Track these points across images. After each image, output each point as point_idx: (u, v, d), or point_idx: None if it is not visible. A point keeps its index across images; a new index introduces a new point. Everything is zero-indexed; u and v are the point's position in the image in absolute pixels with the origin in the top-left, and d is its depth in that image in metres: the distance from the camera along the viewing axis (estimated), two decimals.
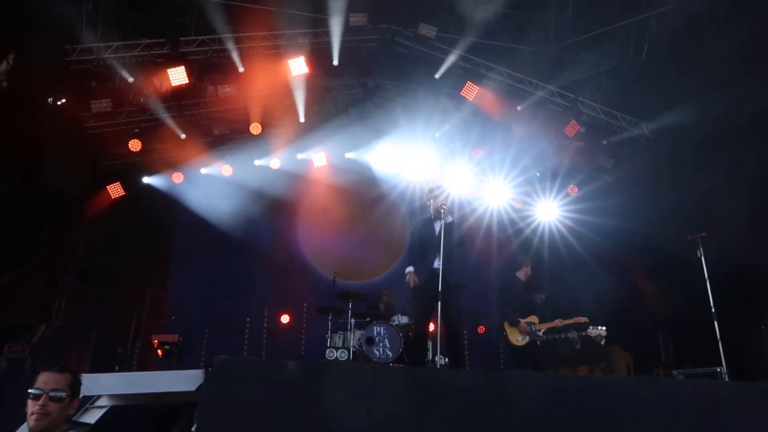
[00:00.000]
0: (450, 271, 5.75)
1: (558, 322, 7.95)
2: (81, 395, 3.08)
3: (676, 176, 10.47)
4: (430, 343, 8.03)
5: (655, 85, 10.47)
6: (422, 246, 6.19)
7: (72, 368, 2.99)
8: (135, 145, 10.81)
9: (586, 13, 10.09)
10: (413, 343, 7.32)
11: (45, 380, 2.87)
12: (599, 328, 7.78)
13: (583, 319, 7.95)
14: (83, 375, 3.12)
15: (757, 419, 4.16)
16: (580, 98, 11.34)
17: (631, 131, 11.59)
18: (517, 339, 7.86)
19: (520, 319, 7.88)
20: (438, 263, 5.84)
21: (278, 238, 12.14)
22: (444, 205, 6.09)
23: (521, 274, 8.42)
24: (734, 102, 8.47)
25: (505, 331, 7.96)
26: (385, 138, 12.32)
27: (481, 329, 13.13)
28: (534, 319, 7.98)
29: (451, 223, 6.16)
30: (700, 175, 9.73)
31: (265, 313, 11.80)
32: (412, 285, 6.10)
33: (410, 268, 6.16)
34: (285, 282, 11.77)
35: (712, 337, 6.54)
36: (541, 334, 7.86)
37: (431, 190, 6.38)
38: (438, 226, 6.10)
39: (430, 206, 6.36)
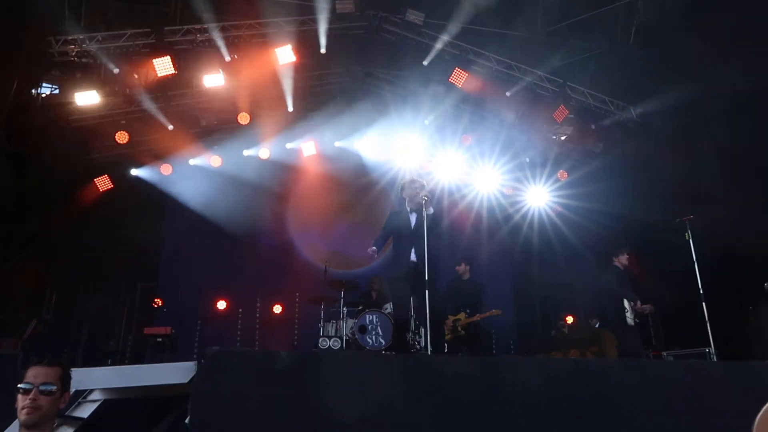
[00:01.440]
0: (430, 262, 5.56)
1: (477, 317, 8.35)
2: (73, 389, 3.06)
3: (664, 159, 10.53)
4: (422, 330, 8.11)
5: (642, 69, 10.50)
6: (397, 238, 6.12)
7: (61, 361, 2.97)
8: (122, 137, 10.71)
9: None
10: (395, 331, 7.33)
11: (35, 374, 2.85)
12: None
13: (497, 311, 8.36)
14: (75, 369, 3.10)
15: (744, 397, 4.23)
16: (568, 83, 11.35)
17: (619, 115, 11.63)
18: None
19: (450, 316, 8.33)
20: (414, 256, 5.78)
21: (268, 228, 12.10)
22: (426, 196, 5.98)
23: (460, 270, 8.78)
24: (721, 85, 8.51)
25: None
26: (375, 126, 12.28)
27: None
28: (462, 315, 8.38)
29: (433, 215, 6.12)
30: (687, 157, 9.79)
31: (258, 304, 11.80)
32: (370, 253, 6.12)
33: (374, 248, 6.15)
34: (277, 272, 11.75)
35: (701, 319, 6.62)
36: (460, 329, 8.29)
37: (413, 181, 6.28)
38: (414, 218, 6.03)
39: (405, 199, 6.25)
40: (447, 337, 8.26)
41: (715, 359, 6.64)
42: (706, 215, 7.40)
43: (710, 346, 6.57)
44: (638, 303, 7.67)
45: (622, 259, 8.05)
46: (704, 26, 8.68)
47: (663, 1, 9.30)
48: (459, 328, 8.28)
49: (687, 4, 8.85)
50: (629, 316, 7.67)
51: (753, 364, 5.58)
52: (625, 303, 7.73)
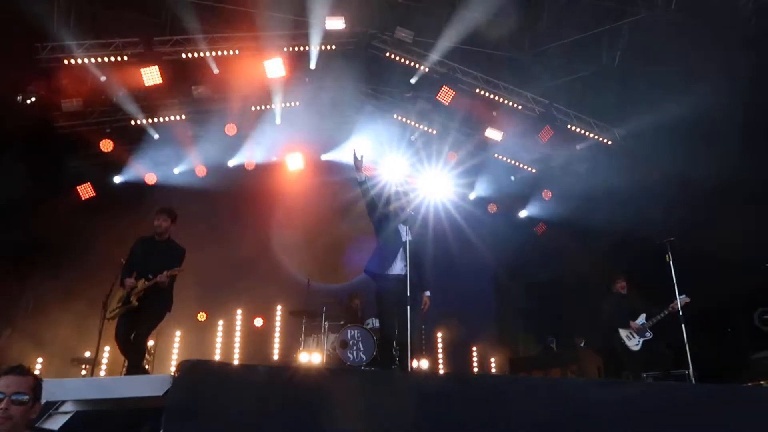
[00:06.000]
0: (413, 278, 5.60)
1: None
2: (45, 400, 3.01)
3: (647, 181, 10.66)
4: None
5: (626, 91, 10.67)
6: (388, 247, 6.09)
7: (33, 372, 2.92)
8: (106, 145, 10.66)
9: (560, 21, 10.23)
10: (383, 346, 7.16)
11: (7, 383, 2.79)
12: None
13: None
14: (48, 380, 3.05)
15: (723, 419, 4.26)
16: (554, 104, 11.49)
17: (603, 137, 11.78)
18: None
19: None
20: (401, 266, 5.73)
21: (252, 241, 11.98)
22: (409, 209, 5.97)
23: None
24: (702, 107, 8.66)
25: None
26: (361, 140, 12.31)
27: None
28: (141, 282, 6.71)
29: (415, 224, 6.09)
30: (669, 179, 9.93)
31: (239, 316, 11.69)
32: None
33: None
34: (259, 285, 11.65)
35: (680, 341, 6.66)
36: (134, 300, 6.56)
37: (397, 194, 6.23)
38: (401, 229, 6.02)
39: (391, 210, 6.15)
40: (112, 314, 6.61)
41: (694, 381, 6.68)
42: (689, 236, 7.48)
43: (689, 368, 6.61)
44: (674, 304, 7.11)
45: (619, 286, 8.16)
46: (687, 49, 8.87)
47: (646, 26, 9.49)
48: (132, 299, 6.45)
49: (669, 30, 9.05)
50: (631, 343, 7.81)
51: (731, 387, 5.63)
52: (622, 332, 7.88)
